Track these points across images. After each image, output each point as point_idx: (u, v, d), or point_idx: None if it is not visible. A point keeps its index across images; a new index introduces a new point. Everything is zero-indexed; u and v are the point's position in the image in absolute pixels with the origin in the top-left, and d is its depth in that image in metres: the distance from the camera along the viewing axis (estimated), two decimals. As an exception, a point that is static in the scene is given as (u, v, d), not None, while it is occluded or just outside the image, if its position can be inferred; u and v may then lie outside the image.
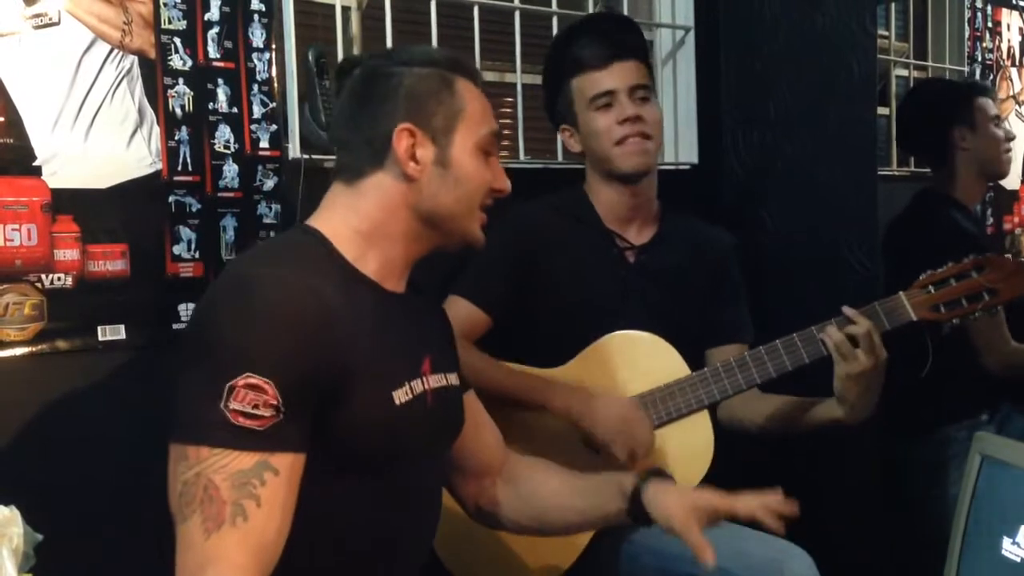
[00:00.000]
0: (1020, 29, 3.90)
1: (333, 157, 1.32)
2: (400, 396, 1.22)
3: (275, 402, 1.09)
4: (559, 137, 1.99)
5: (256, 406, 1.08)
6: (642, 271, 1.87)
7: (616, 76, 1.83)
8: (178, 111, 1.74)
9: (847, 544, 2.18)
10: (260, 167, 1.84)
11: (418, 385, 1.26)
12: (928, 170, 2.73)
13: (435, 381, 1.31)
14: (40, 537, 1.09)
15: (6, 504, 1.07)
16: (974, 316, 1.74)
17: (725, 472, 1.78)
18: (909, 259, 1.79)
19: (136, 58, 1.70)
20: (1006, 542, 1.28)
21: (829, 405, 1.72)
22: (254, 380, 1.08)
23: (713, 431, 1.78)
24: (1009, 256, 3.59)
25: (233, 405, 1.08)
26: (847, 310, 1.69)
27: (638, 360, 1.78)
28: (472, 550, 1.71)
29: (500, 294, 1.80)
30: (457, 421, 1.41)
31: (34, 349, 1.61)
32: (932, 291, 1.73)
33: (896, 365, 1.71)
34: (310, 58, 1.87)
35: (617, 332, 1.79)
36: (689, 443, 1.76)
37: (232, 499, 1.08)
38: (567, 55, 1.87)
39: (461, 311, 1.74)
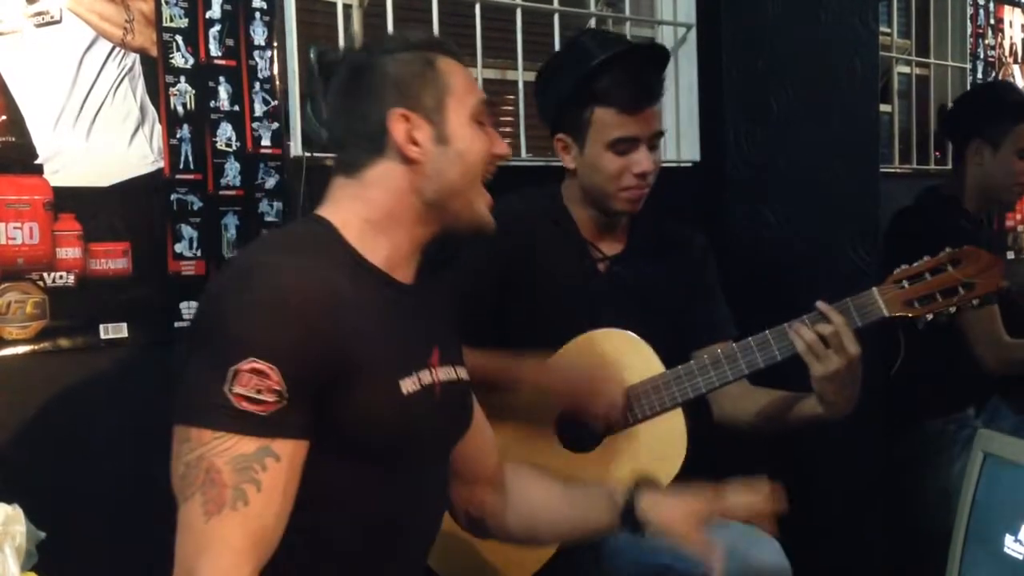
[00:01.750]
0: (1022, 26, 3.89)
1: (334, 155, 1.32)
2: (408, 386, 1.22)
3: (278, 388, 1.09)
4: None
5: (259, 391, 1.09)
6: (613, 282, 1.86)
7: (643, 124, 1.78)
8: (180, 109, 1.74)
9: (840, 537, 2.19)
10: (262, 165, 1.84)
11: (426, 376, 1.26)
12: (930, 168, 2.74)
13: (444, 374, 1.31)
14: (42, 535, 1.10)
15: (9, 502, 1.08)
16: (949, 311, 1.69)
17: (721, 467, 1.77)
18: (905, 255, 1.77)
19: (138, 56, 1.70)
20: (1008, 539, 1.28)
21: (810, 402, 1.71)
22: (258, 365, 1.08)
23: (686, 427, 1.76)
24: (1012, 251, 3.59)
25: (236, 389, 1.08)
26: (821, 305, 1.66)
27: (612, 357, 1.77)
28: (446, 544, 1.71)
29: (473, 306, 1.74)
30: (466, 416, 1.40)
31: (36, 347, 1.61)
32: (906, 286, 1.68)
33: (880, 358, 1.70)
34: (312, 56, 1.86)
35: (591, 331, 1.78)
36: (661, 440, 1.75)
37: (233, 483, 1.08)
38: (600, 80, 1.77)
39: None
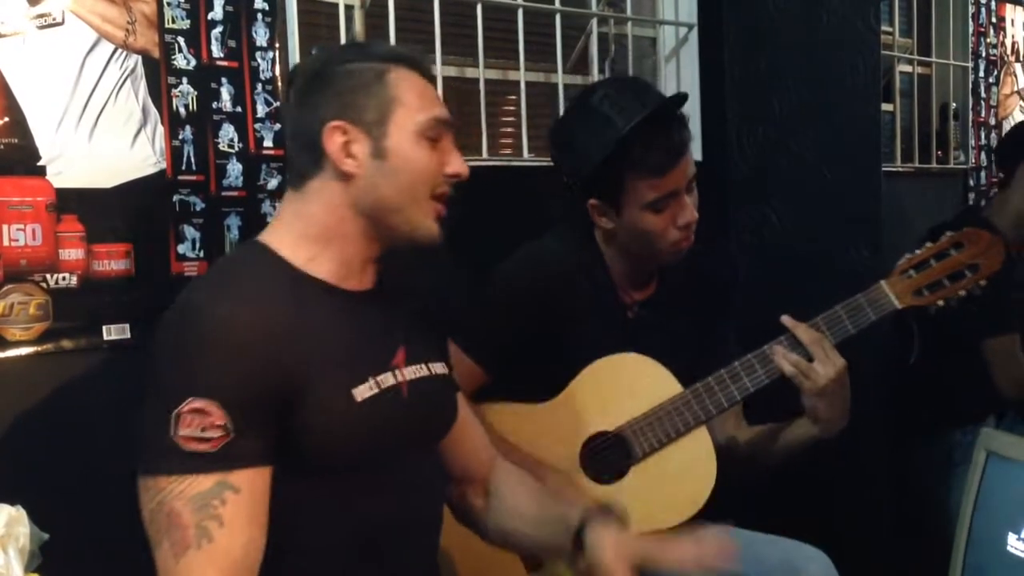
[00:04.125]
0: (1024, 24, 3.89)
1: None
2: (362, 392, 1.22)
3: (222, 422, 1.11)
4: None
5: (204, 428, 1.11)
6: (640, 326, 1.83)
7: (678, 177, 1.70)
8: (182, 110, 1.75)
9: (856, 544, 2.18)
10: (264, 166, 1.84)
11: (388, 379, 1.25)
12: (931, 167, 2.72)
13: (412, 372, 1.30)
14: (46, 536, 1.10)
15: (12, 504, 1.08)
16: (960, 295, 1.70)
17: (734, 483, 1.76)
18: None
19: (140, 57, 1.70)
20: (1011, 538, 1.28)
21: (802, 424, 1.69)
22: (197, 404, 1.11)
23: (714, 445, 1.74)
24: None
25: (182, 431, 1.11)
26: (787, 320, 1.64)
27: (628, 382, 1.75)
28: (466, 567, 1.70)
29: (500, 350, 1.75)
30: (444, 410, 1.39)
31: (39, 349, 1.61)
32: (913, 275, 1.70)
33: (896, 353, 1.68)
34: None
35: (603, 358, 1.74)
36: (690, 460, 1.72)
37: (194, 522, 1.11)
38: (627, 150, 1.67)
39: (458, 364, 1.59)
